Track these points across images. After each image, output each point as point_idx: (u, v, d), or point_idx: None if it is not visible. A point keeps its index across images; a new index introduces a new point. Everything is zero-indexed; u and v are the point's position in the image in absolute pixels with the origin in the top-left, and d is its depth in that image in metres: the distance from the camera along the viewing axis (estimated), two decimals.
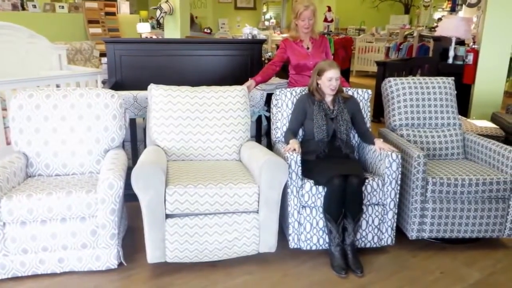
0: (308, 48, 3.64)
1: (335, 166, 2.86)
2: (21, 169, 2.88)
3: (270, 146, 3.60)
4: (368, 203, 2.89)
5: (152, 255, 2.64)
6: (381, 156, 2.94)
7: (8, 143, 3.83)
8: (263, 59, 5.87)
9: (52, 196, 2.53)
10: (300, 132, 3.24)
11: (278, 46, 3.83)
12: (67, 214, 2.56)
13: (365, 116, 3.32)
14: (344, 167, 2.88)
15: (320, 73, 3.08)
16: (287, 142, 3.04)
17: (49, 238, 2.57)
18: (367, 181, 2.85)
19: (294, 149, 2.87)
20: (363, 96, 3.36)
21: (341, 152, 3.06)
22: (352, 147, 3.20)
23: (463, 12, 8.97)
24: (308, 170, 2.90)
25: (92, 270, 2.68)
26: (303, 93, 3.26)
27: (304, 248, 2.91)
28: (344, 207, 2.78)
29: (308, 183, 2.83)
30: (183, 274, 2.75)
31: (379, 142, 3.05)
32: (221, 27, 12.24)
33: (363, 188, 2.82)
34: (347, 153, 3.08)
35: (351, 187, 2.75)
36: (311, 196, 2.83)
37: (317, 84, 3.12)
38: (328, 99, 3.14)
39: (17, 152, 2.96)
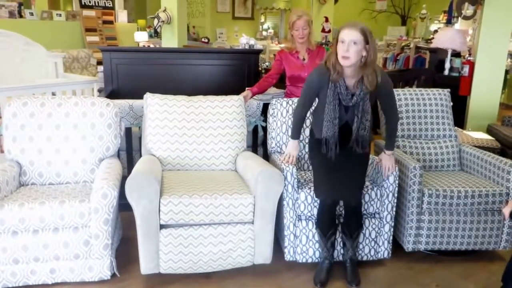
0: (304, 59, 3.63)
1: (334, 185, 2.61)
2: (14, 177, 2.85)
3: (266, 156, 3.58)
4: (365, 212, 2.87)
5: (145, 266, 2.61)
6: (378, 168, 2.92)
7: (2, 151, 3.80)
8: (260, 69, 5.88)
9: (45, 206, 2.50)
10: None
11: (276, 56, 3.82)
12: (60, 224, 2.52)
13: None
14: (344, 188, 2.61)
15: (337, 39, 2.38)
16: (292, 134, 2.83)
17: (41, 248, 2.53)
18: (365, 189, 2.81)
19: (290, 161, 2.83)
20: None
21: (350, 157, 2.55)
22: (367, 141, 2.56)
23: (459, 24, 9.05)
24: (312, 157, 2.76)
25: (84, 281, 2.65)
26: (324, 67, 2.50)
27: (300, 261, 2.88)
28: (336, 225, 2.78)
29: (303, 193, 2.80)
30: (177, 285, 2.72)
31: (385, 157, 2.78)
32: (219, 37, 12.28)
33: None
34: (357, 158, 2.58)
35: (349, 209, 2.73)
36: (307, 205, 2.81)
37: (336, 56, 2.38)
38: (350, 81, 2.42)
39: (10, 161, 2.94)
